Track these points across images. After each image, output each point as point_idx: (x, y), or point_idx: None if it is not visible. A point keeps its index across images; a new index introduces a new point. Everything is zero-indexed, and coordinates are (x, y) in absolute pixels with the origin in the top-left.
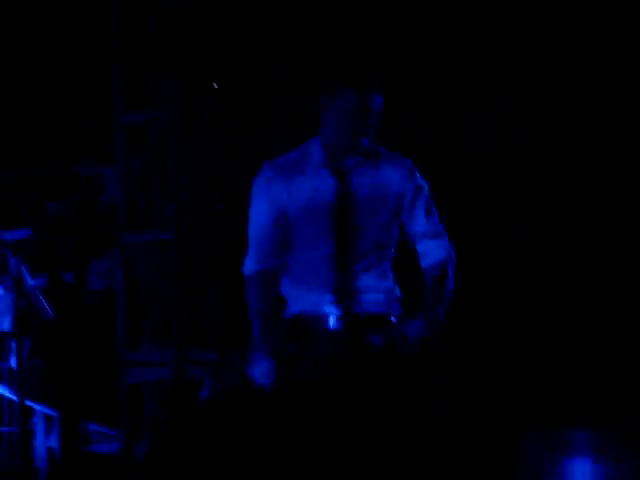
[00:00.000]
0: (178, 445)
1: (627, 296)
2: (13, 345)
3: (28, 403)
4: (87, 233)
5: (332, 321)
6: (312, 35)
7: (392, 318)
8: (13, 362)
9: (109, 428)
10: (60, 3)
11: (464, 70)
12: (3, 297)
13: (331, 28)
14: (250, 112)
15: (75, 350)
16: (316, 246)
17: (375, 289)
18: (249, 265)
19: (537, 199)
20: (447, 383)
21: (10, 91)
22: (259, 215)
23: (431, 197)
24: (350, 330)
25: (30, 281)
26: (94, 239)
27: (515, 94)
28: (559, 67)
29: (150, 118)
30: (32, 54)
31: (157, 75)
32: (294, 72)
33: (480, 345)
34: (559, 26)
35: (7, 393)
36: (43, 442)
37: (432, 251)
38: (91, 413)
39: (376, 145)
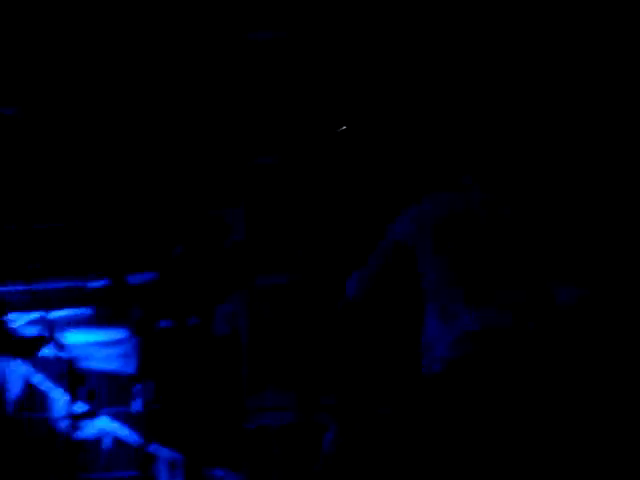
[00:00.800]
0: None
1: None
2: (138, 389)
3: (152, 447)
4: (213, 276)
5: None
6: None
7: None
8: (137, 406)
9: (234, 473)
10: None
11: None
12: (129, 340)
13: None
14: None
15: (200, 394)
16: None
17: None
18: None
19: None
20: None
21: (140, 132)
22: None
23: None
24: None
25: (156, 325)
26: (220, 282)
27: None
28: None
29: (279, 162)
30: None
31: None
32: None
33: None
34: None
35: (130, 437)
36: None
37: None
38: (215, 458)
39: None
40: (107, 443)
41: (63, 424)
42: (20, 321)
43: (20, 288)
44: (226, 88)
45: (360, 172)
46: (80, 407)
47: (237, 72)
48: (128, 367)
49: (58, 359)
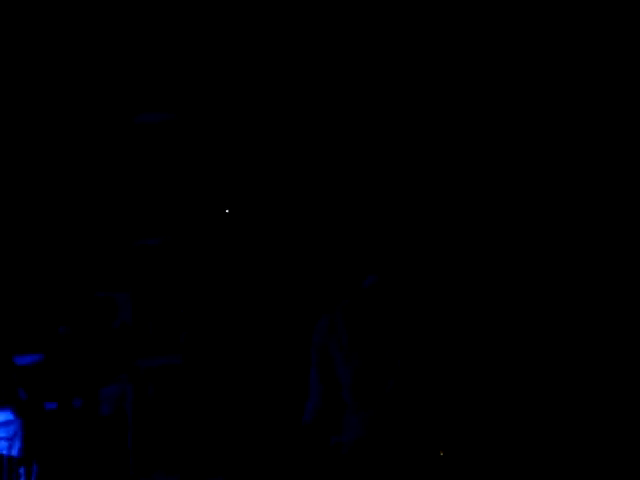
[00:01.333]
0: None
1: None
2: (22, 471)
3: None
4: (98, 357)
5: None
6: None
7: None
8: None
9: None
10: None
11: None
12: (13, 422)
13: None
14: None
15: (86, 476)
16: None
17: None
18: None
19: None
20: None
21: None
22: None
23: None
24: None
25: (40, 407)
26: (105, 363)
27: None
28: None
29: (163, 243)
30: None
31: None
32: None
33: None
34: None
35: None
36: None
37: None
38: None
39: None
40: None
41: None
42: None
43: None
44: (112, 170)
45: (245, 253)
46: None
47: (122, 155)
48: (13, 449)
49: None
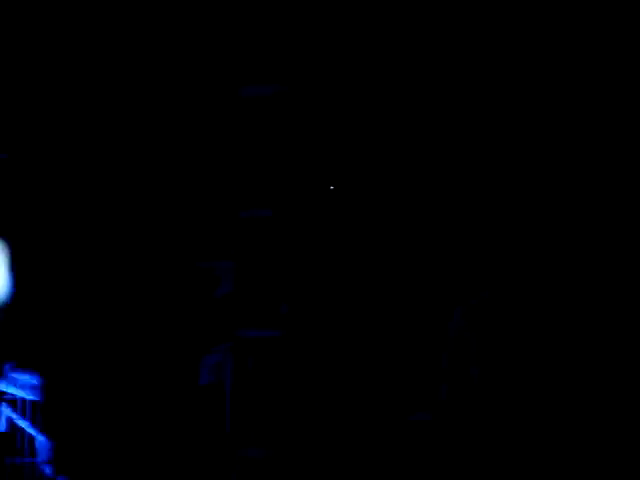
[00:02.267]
0: None
1: None
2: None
3: None
4: (200, 327)
5: None
6: None
7: None
8: None
9: None
10: None
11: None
12: None
13: None
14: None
15: (185, 443)
16: None
17: None
18: None
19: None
20: None
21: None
22: None
23: None
24: None
25: None
26: (206, 333)
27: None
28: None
29: (270, 215)
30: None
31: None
32: None
33: None
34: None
35: None
36: None
37: None
38: None
39: None
40: None
41: None
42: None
43: None
44: (220, 140)
45: (349, 227)
46: None
47: (229, 125)
48: None
49: None
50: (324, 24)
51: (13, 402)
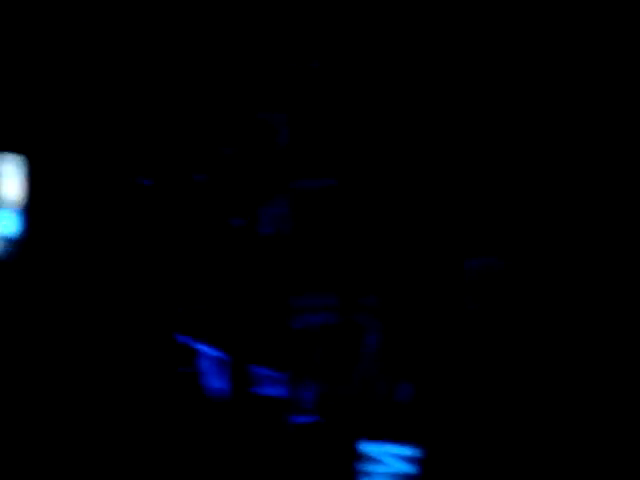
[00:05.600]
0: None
1: None
2: None
3: (197, 345)
4: (258, 178)
5: None
6: None
7: None
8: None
9: (277, 372)
10: None
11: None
12: None
13: None
14: None
15: (245, 294)
16: None
17: None
18: None
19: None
20: None
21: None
22: None
23: None
24: None
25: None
26: (265, 184)
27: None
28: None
29: (327, 66)
30: None
31: None
32: None
33: None
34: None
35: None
36: (211, 383)
37: None
38: (260, 357)
39: None
40: None
41: None
42: None
43: None
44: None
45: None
46: None
47: None
48: None
49: None
50: None
51: None
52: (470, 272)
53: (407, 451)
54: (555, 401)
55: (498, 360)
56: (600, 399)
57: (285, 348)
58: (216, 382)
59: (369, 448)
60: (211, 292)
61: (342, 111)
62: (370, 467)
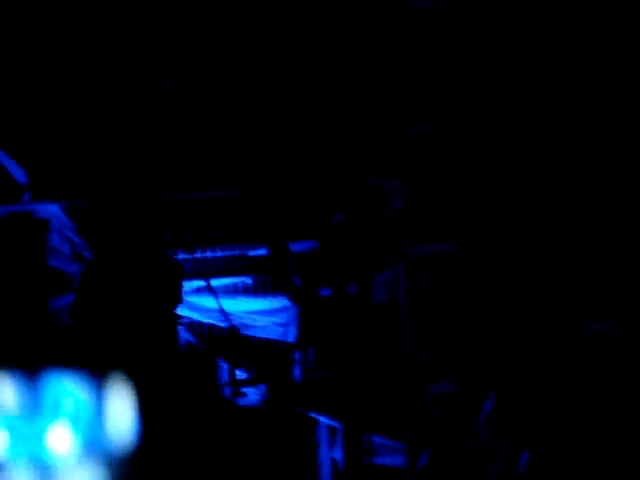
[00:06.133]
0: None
1: None
2: (297, 356)
3: (312, 415)
4: (372, 244)
5: None
6: None
7: None
8: (297, 373)
9: (393, 440)
10: None
11: None
12: (289, 309)
13: None
14: None
15: (359, 361)
16: None
17: None
18: None
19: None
20: None
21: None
22: None
23: None
24: None
25: (315, 293)
26: (379, 250)
27: None
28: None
29: (438, 131)
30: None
31: None
32: None
33: None
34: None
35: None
36: (327, 453)
37: None
38: (375, 425)
39: None
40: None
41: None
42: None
43: (183, 257)
44: (385, 57)
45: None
46: (241, 374)
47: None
48: (287, 335)
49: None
50: None
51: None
52: (590, 336)
53: None
54: None
55: (617, 428)
56: None
57: (403, 417)
58: (330, 452)
59: None
60: (324, 359)
61: (458, 175)
62: None
